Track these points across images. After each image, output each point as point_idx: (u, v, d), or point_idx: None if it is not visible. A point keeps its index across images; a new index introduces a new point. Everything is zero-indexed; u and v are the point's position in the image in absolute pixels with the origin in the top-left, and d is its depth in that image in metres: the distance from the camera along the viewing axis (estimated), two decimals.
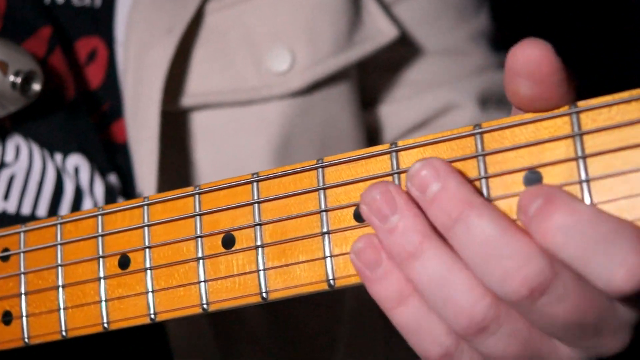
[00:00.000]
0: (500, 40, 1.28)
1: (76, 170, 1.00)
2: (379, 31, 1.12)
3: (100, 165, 1.03)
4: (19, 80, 0.95)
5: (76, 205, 0.99)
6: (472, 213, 0.64)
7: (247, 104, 1.08)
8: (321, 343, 1.19)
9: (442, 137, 0.69)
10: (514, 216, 0.66)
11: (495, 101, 1.23)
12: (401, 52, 1.19)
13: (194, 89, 1.07)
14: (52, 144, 1.00)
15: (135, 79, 1.03)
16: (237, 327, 1.11)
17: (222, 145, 1.09)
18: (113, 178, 1.04)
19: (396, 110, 1.21)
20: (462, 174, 0.67)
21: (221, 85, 1.07)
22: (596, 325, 0.66)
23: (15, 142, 0.99)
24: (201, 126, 1.09)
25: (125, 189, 1.05)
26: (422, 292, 0.66)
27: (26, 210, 0.97)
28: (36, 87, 0.96)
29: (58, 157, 1.00)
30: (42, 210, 0.98)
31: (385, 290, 0.68)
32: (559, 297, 0.63)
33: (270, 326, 1.13)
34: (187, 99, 1.08)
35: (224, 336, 1.10)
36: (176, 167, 1.08)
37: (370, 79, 1.19)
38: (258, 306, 1.10)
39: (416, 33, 1.19)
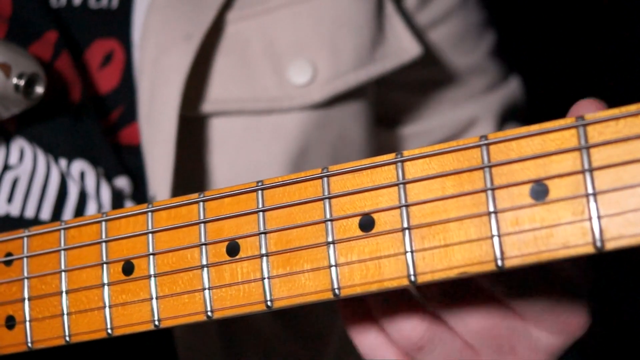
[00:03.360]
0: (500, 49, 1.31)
1: (82, 176, 1.00)
2: (401, 48, 1.12)
3: (108, 169, 1.02)
4: (22, 82, 0.94)
5: (80, 208, 0.99)
6: None
7: (266, 114, 1.09)
8: (321, 340, 1.19)
9: (449, 147, 0.69)
10: (518, 228, 0.66)
11: (512, 113, 1.26)
12: (428, 73, 1.20)
13: (215, 96, 1.08)
14: (56, 150, 1.00)
15: (152, 82, 1.04)
16: (241, 324, 1.11)
17: (239, 153, 1.09)
18: (122, 181, 1.04)
19: (424, 129, 1.23)
20: None
21: (242, 93, 1.08)
22: (506, 339, 0.80)
23: (20, 145, 0.99)
24: (219, 133, 1.09)
25: (136, 191, 1.05)
26: None
27: (30, 213, 0.97)
28: (39, 89, 0.95)
29: (63, 162, 1.00)
30: (46, 213, 0.98)
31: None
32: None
33: (274, 323, 1.14)
34: (208, 105, 1.08)
35: (228, 334, 1.10)
36: (191, 172, 1.08)
37: (394, 98, 1.20)
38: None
39: (443, 54, 1.20)
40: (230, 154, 1.09)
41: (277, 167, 1.08)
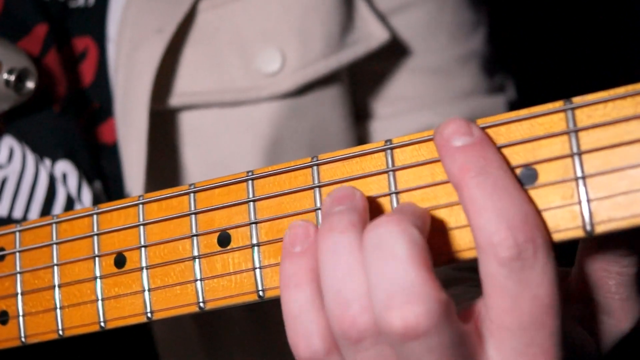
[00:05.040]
0: (496, 64, 1.26)
1: (64, 177, 1.00)
2: (370, 34, 1.10)
3: (87, 172, 1.02)
4: (12, 78, 0.94)
5: (69, 208, 0.98)
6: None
7: (235, 105, 1.08)
8: None
9: None
10: None
11: None
12: (390, 64, 1.18)
13: (182, 89, 1.06)
14: (41, 149, 0.99)
15: (126, 78, 1.03)
16: (222, 328, 1.10)
17: (211, 146, 1.08)
18: (98, 185, 1.03)
19: (382, 127, 1.20)
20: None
21: (209, 85, 1.06)
22: None
23: (9, 144, 0.98)
24: (189, 127, 1.08)
25: (109, 194, 1.04)
26: (322, 280, 0.67)
27: (18, 214, 0.97)
28: (30, 84, 0.95)
29: (47, 162, 1.00)
30: (34, 214, 0.97)
31: (292, 267, 0.69)
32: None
33: (255, 328, 1.13)
34: (175, 99, 1.07)
35: (209, 337, 1.09)
36: (164, 168, 1.07)
37: (360, 90, 1.19)
38: (245, 308, 1.10)
39: (408, 45, 1.18)
40: (202, 147, 1.08)
41: (250, 159, 1.07)
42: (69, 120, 1.01)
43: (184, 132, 1.08)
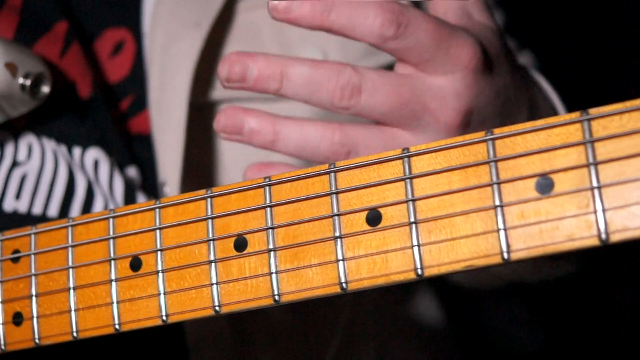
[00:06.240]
0: None
1: (95, 164, 1.01)
2: None
3: (120, 159, 1.03)
4: (28, 82, 0.95)
5: (87, 204, 1.00)
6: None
7: (276, 100, 1.09)
8: (327, 330, 1.20)
9: (455, 142, 0.70)
10: (524, 221, 0.67)
11: None
12: None
13: None
14: (70, 139, 1.00)
15: (161, 70, 1.05)
16: (253, 324, 1.12)
17: None
18: (132, 171, 1.04)
19: None
20: None
21: None
22: (415, 101, 0.86)
23: (28, 142, 0.99)
24: None
25: (145, 181, 1.05)
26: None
27: (37, 210, 0.98)
28: (45, 89, 0.96)
29: (77, 151, 1.01)
30: (54, 210, 0.98)
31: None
32: (372, 91, 0.86)
33: (286, 324, 1.14)
34: (218, 92, 1.09)
35: (240, 332, 1.10)
36: (201, 159, 1.09)
37: None
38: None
39: None
40: None
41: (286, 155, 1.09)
42: (97, 112, 1.03)
43: None
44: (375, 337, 1.25)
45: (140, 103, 1.07)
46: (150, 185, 1.05)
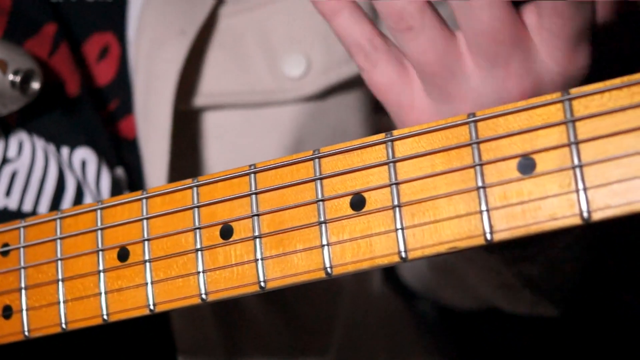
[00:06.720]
0: None
1: (83, 164, 1.01)
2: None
3: (108, 159, 1.04)
4: (18, 79, 0.95)
5: (77, 202, 1.00)
6: None
7: (260, 106, 1.10)
8: (322, 333, 1.19)
9: (437, 126, 0.70)
10: (507, 202, 0.67)
11: None
12: None
13: (208, 89, 1.09)
14: (58, 138, 1.01)
15: (147, 77, 1.05)
16: (242, 327, 1.12)
17: (234, 146, 1.10)
18: (119, 172, 1.05)
19: None
20: None
21: (236, 86, 1.09)
22: (511, 42, 0.79)
23: (19, 138, 1.00)
24: (213, 126, 1.10)
25: (132, 183, 1.06)
26: None
27: (27, 207, 0.98)
28: (35, 85, 0.97)
29: (65, 150, 1.01)
30: (44, 207, 0.99)
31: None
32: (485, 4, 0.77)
33: (276, 327, 1.14)
34: (201, 99, 1.09)
35: (229, 335, 1.10)
36: (186, 166, 1.09)
37: None
38: (261, 301, 1.11)
39: None
40: (226, 147, 1.10)
41: (272, 159, 1.09)
42: (86, 111, 1.03)
43: (207, 132, 1.11)
44: (370, 351, 1.25)
45: (126, 108, 1.08)
46: (137, 189, 1.05)
